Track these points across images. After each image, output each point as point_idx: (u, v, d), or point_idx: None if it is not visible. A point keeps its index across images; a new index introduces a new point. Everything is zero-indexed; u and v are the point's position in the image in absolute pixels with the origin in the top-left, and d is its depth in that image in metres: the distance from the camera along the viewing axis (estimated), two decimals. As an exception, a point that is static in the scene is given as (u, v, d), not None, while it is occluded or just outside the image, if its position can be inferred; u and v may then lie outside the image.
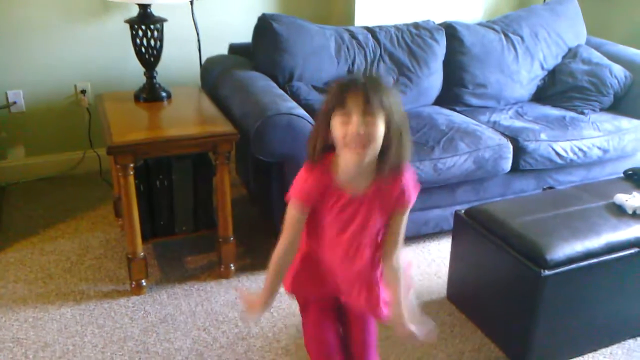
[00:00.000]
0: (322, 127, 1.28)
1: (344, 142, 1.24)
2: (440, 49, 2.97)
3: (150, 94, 2.50)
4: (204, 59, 2.98)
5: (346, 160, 1.28)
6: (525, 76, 3.10)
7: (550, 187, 2.49)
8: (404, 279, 1.44)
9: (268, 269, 1.41)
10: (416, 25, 3.00)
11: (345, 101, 1.23)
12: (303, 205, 1.34)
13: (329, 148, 1.30)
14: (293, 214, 1.35)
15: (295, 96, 2.51)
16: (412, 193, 1.35)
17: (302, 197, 1.33)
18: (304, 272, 1.48)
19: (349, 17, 3.29)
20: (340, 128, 1.24)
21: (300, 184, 1.33)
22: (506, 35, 3.10)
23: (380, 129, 1.23)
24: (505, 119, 2.84)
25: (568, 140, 2.69)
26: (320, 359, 1.53)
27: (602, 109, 2.99)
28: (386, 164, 1.28)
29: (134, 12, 2.43)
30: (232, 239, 2.33)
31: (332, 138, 1.27)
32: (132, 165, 2.08)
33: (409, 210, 1.37)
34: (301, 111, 2.23)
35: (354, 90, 1.23)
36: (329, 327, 1.53)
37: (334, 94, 1.25)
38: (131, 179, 2.09)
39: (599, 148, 2.75)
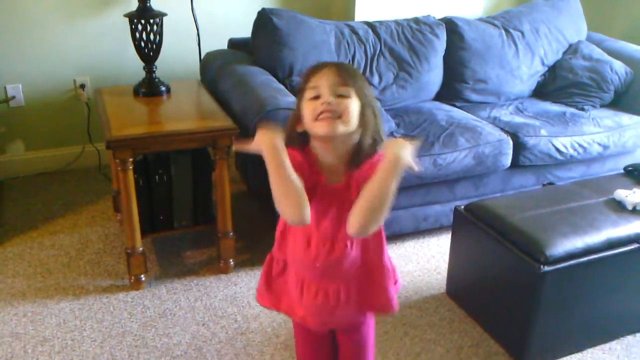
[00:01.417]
0: (296, 113, 1.25)
1: (315, 117, 1.18)
2: (440, 44, 2.96)
3: (150, 88, 2.49)
4: (203, 54, 2.98)
5: (319, 142, 1.21)
6: (526, 72, 3.09)
7: (550, 183, 2.49)
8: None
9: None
10: (416, 21, 2.99)
11: (313, 77, 1.20)
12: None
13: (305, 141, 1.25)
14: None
15: (295, 91, 2.51)
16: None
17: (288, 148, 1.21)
18: (269, 280, 1.40)
19: (349, 12, 3.28)
20: (310, 106, 1.19)
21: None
22: (507, 31, 3.09)
23: (354, 104, 1.19)
24: (506, 114, 2.84)
25: (568, 136, 2.69)
26: None
27: (602, 105, 2.98)
28: (362, 148, 1.21)
29: (134, 6, 2.43)
30: (231, 234, 2.33)
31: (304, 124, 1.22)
32: (131, 159, 2.07)
33: None
34: (301, 106, 2.22)
35: (323, 67, 1.20)
36: (317, 342, 1.46)
37: (304, 75, 1.23)
38: (130, 174, 2.09)
39: (599, 144, 2.74)
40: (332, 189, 1.24)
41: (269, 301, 1.42)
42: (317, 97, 1.19)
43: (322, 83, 1.19)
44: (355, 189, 1.19)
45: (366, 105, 1.21)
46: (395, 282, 1.38)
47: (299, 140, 1.25)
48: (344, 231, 1.20)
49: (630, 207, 2.03)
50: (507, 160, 2.59)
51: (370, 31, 2.88)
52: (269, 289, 1.40)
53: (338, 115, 1.17)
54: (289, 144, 1.20)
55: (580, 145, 2.70)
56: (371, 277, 1.32)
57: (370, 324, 1.45)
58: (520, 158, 2.62)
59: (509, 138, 2.60)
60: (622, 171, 2.38)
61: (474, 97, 3.01)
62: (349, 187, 1.22)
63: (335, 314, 1.31)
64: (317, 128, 1.19)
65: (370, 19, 2.99)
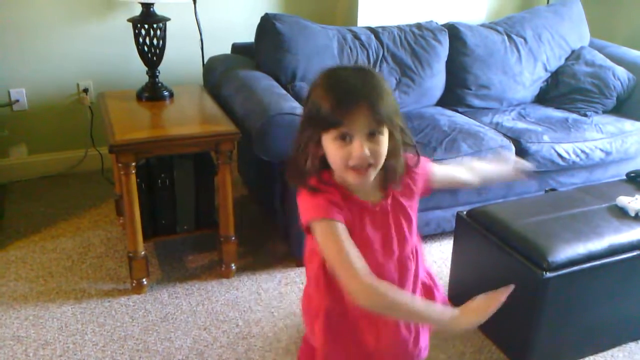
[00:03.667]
0: (311, 146, 1.09)
1: (345, 165, 1.06)
2: (443, 50, 2.96)
3: (153, 92, 2.49)
4: (206, 59, 2.98)
5: (349, 181, 1.10)
6: (528, 78, 3.10)
7: (553, 189, 2.49)
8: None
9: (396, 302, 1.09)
10: (419, 26, 3.00)
11: (344, 121, 1.03)
12: (335, 215, 1.07)
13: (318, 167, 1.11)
14: (331, 227, 1.07)
15: (298, 96, 2.51)
16: (421, 163, 1.21)
17: (328, 208, 1.08)
18: (334, 334, 1.20)
19: (352, 17, 3.29)
20: (339, 151, 1.05)
21: (312, 202, 1.10)
22: (509, 37, 3.09)
23: (385, 140, 1.07)
24: (508, 120, 2.84)
25: (570, 142, 2.69)
26: None
27: (605, 111, 2.98)
28: (396, 170, 1.12)
29: (137, 11, 2.43)
30: (233, 238, 2.33)
31: (322, 156, 1.09)
32: (134, 164, 2.07)
33: (430, 162, 1.26)
34: (303, 111, 2.22)
35: (356, 106, 1.02)
36: None
37: (329, 111, 1.03)
38: (133, 178, 2.09)
39: (602, 150, 2.74)
40: (380, 211, 1.16)
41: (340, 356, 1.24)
42: (344, 137, 1.05)
43: (355, 128, 1.03)
44: (407, 204, 1.18)
45: (395, 129, 1.09)
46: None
47: (320, 168, 1.12)
48: (407, 248, 1.18)
49: (632, 214, 2.03)
50: (510, 166, 2.59)
51: (372, 37, 2.89)
52: (337, 342, 1.22)
53: (371, 164, 1.07)
54: (303, 183, 1.12)
55: (583, 151, 2.70)
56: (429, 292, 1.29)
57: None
58: (523, 164, 2.62)
59: (512, 144, 2.60)
60: (625, 177, 2.37)
61: (477, 102, 3.01)
62: (396, 206, 1.18)
63: (417, 343, 1.26)
64: (349, 177, 1.08)
65: (373, 25, 3.00)
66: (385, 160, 1.10)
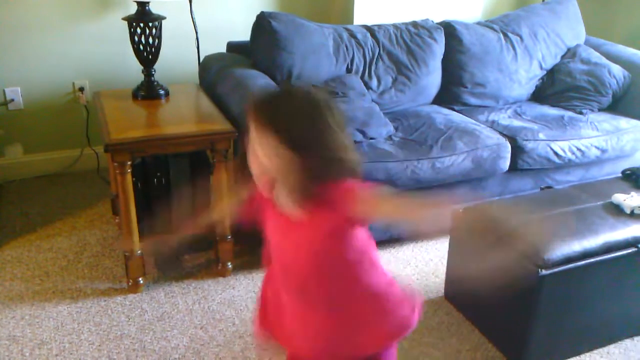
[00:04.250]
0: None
1: (254, 175, 1.15)
2: (439, 48, 2.96)
3: (148, 91, 2.49)
4: (202, 57, 2.98)
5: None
6: (524, 76, 3.10)
7: (549, 187, 2.49)
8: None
9: None
10: (415, 24, 3.00)
11: (254, 135, 1.10)
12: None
13: None
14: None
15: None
16: (349, 195, 1.12)
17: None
18: (265, 305, 1.35)
19: (348, 15, 3.29)
20: (251, 162, 1.13)
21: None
22: (505, 35, 3.09)
23: (292, 162, 1.08)
24: (504, 118, 2.84)
25: (566, 139, 2.69)
26: None
27: (600, 109, 2.99)
28: (304, 193, 1.13)
29: (133, 9, 2.43)
30: (229, 237, 2.33)
31: None
32: (129, 163, 2.07)
33: (367, 200, 1.12)
34: (299, 109, 2.22)
35: (262, 124, 1.09)
36: None
37: (249, 126, 1.12)
38: (128, 177, 2.09)
39: (597, 148, 2.75)
40: (298, 226, 1.18)
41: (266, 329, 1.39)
42: (254, 150, 1.12)
43: (260, 143, 1.10)
44: (322, 231, 1.16)
45: (307, 155, 1.09)
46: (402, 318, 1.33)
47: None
48: (316, 265, 1.21)
49: (628, 211, 2.03)
50: (506, 164, 2.60)
51: (368, 35, 2.89)
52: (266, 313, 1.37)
53: (269, 179, 1.13)
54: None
55: (579, 149, 2.71)
56: (348, 309, 1.25)
57: None
58: (519, 162, 2.63)
59: (507, 142, 2.60)
60: (620, 175, 2.38)
61: (473, 100, 3.02)
62: (313, 224, 1.17)
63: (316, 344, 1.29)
64: (259, 186, 1.17)
65: (369, 23, 3.00)
66: (298, 182, 1.12)
